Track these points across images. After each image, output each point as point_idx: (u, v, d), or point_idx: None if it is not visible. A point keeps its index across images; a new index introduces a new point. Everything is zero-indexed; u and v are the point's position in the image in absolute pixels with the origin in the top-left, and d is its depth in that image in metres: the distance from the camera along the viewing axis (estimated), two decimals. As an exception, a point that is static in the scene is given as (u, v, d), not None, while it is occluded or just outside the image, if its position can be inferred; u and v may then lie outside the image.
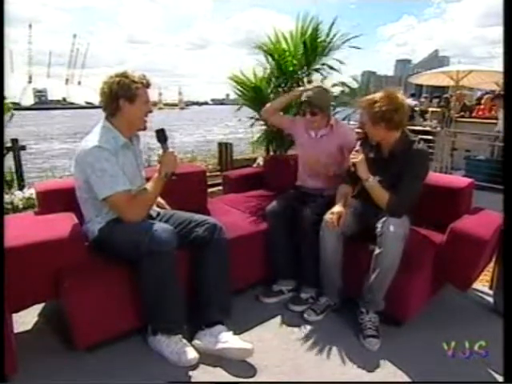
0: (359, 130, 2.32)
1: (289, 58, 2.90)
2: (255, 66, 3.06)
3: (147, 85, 1.79)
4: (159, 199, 2.10)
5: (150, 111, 1.82)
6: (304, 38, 2.84)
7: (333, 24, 2.84)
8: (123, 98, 1.71)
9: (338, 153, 2.33)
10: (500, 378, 1.62)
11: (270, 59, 3.01)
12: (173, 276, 1.69)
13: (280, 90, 3.02)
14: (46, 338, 1.83)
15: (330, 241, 1.96)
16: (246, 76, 3.06)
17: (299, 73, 2.95)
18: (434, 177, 2.23)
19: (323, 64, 2.93)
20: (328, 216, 1.94)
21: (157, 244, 1.61)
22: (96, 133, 1.74)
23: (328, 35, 2.85)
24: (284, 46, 2.92)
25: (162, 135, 1.83)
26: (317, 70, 2.96)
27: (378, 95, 1.86)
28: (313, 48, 2.85)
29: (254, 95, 3.07)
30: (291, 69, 2.92)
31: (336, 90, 3.16)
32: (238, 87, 3.12)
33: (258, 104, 3.03)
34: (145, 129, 1.84)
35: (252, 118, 3.24)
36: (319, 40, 2.85)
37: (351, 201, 2.10)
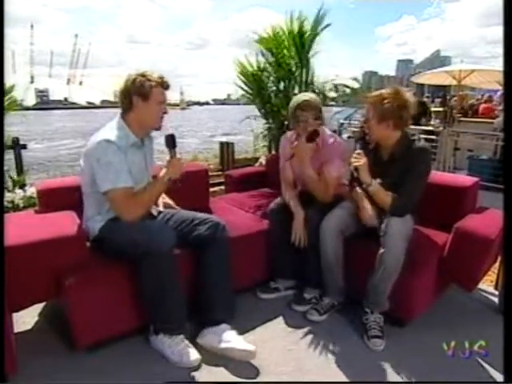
0: (352, 134, 2.29)
1: (285, 51, 3.14)
2: (250, 58, 3.31)
3: (163, 85, 1.78)
4: (168, 200, 2.09)
5: (165, 112, 1.81)
6: (293, 34, 3.15)
7: (318, 17, 3.17)
8: (136, 94, 1.71)
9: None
10: (500, 378, 1.60)
11: (267, 54, 3.23)
12: (173, 276, 1.67)
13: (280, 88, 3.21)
14: (46, 337, 1.81)
15: (330, 240, 1.94)
16: (244, 65, 3.29)
17: (294, 67, 3.19)
18: (439, 176, 2.21)
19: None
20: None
21: (155, 244, 1.59)
22: (108, 128, 1.74)
23: (314, 28, 3.16)
24: (281, 40, 3.18)
25: (170, 140, 1.82)
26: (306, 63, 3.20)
27: (385, 91, 1.82)
28: (301, 44, 3.16)
29: (255, 85, 3.24)
30: (287, 61, 3.16)
31: (336, 93, 3.34)
32: (240, 76, 3.30)
33: (261, 100, 3.12)
34: (159, 128, 1.83)
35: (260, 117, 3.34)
36: (305, 36, 3.16)
37: (351, 200, 2.07)
